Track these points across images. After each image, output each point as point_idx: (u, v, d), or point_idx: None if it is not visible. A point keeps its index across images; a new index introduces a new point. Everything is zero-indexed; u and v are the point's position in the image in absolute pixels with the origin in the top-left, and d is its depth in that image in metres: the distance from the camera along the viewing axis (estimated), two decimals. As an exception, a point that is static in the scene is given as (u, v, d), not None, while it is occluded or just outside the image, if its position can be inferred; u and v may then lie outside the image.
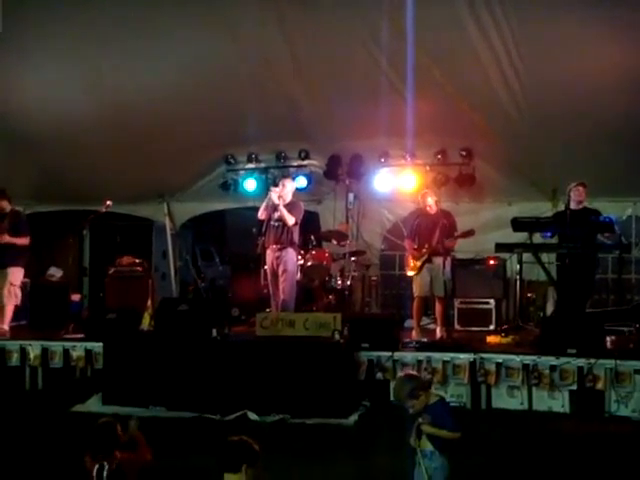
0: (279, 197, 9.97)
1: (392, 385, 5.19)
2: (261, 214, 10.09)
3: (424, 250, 9.73)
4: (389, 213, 12.64)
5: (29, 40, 9.22)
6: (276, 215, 9.98)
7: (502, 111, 9.83)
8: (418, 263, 9.78)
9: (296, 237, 10.09)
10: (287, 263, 9.93)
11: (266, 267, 10.43)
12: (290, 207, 9.99)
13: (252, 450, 4.03)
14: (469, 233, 9.63)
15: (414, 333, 9.84)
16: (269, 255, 10.07)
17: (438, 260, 9.57)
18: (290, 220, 9.85)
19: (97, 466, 4.82)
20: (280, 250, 9.95)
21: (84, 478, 4.97)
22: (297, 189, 11.60)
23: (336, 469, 6.25)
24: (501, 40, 8.73)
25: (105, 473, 4.76)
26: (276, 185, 10.53)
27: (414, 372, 5.11)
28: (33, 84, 10.10)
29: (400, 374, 5.04)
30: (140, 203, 13.53)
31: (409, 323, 10.64)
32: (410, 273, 10.01)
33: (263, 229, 10.14)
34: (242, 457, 3.97)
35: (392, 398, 4.96)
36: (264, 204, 10.08)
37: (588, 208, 9.56)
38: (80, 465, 4.82)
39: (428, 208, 9.91)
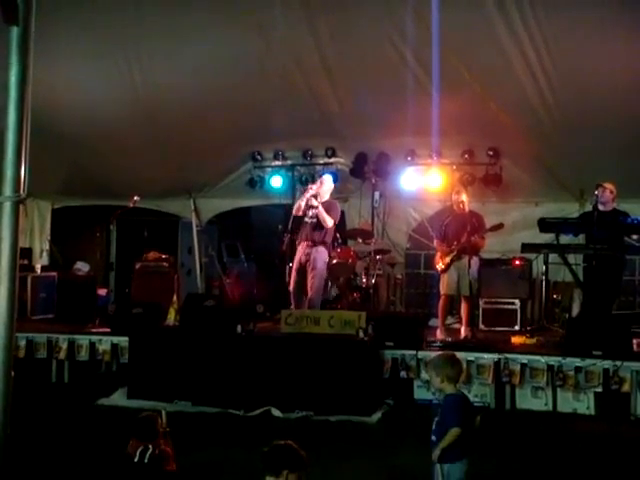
0: (317, 195, 10.01)
1: (434, 359, 4.98)
2: (296, 211, 10.12)
3: (453, 247, 9.66)
4: (415, 212, 12.62)
5: (59, 40, 9.26)
6: (311, 212, 10.02)
7: (530, 111, 9.77)
8: (447, 260, 9.71)
9: (329, 236, 10.08)
10: (316, 261, 9.92)
11: (291, 264, 10.49)
12: (328, 207, 10.01)
13: (296, 456, 4.04)
14: (498, 227, 9.54)
15: (439, 332, 9.82)
16: (299, 251, 10.09)
17: (466, 259, 9.53)
18: (329, 222, 9.90)
19: (141, 448, 5.02)
20: (311, 247, 9.97)
21: (118, 464, 5.14)
22: None
23: (358, 467, 6.27)
24: (530, 39, 8.66)
25: (148, 454, 4.98)
26: (314, 182, 10.55)
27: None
28: (63, 82, 10.16)
29: (449, 353, 5.15)
30: (167, 199, 13.63)
31: (434, 322, 10.62)
32: (439, 267, 9.91)
33: (293, 225, 10.18)
34: (284, 462, 3.99)
35: (427, 368, 5.26)
36: (300, 202, 10.13)
37: (617, 210, 9.47)
38: (107, 456, 4.94)
39: (460, 205, 9.80)
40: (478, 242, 9.64)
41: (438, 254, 9.98)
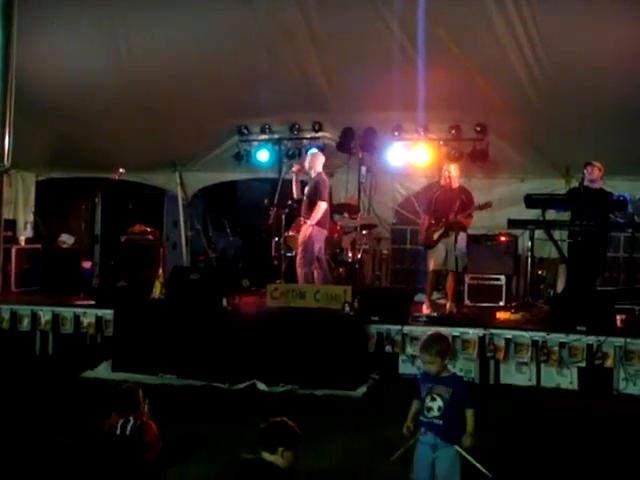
0: (307, 169, 10.14)
1: (422, 338, 4.87)
2: (295, 194, 10.37)
3: (441, 224, 9.60)
4: (401, 187, 12.63)
5: (46, 10, 9.18)
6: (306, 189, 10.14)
7: (518, 87, 9.76)
8: (435, 237, 9.65)
9: (318, 213, 9.92)
10: (302, 236, 9.97)
11: (277, 238, 10.58)
12: (314, 184, 10.03)
13: (292, 433, 4.08)
14: (486, 205, 9.49)
15: (425, 307, 9.84)
16: None
17: (453, 235, 9.48)
18: (314, 199, 9.92)
19: (122, 420, 5.03)
20: (302, 224, 10.06)
21: (101, 438, 5.13)
22: None
23: (343, 441, 6.28)
24: (518, 15, 8.64)
25: (129, 427, 4.99)
26: (300, 156, 10.58)
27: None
28: (49, 53, 10.07)
29: (434, 331, 5.00)
30: (153, 172, 13.57)
31: (419, 297, 10.64)
32: (426, 246, 9.88)
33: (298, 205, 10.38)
34: (279, 439, 4.02)
35: (420, 346, 4.75)
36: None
37: (604, 190, 9.50)
38: (91, 428, 4.93)
39: (450, 180, 9.76)
40: (465, 220, 9.61)
41: (425, 231, 9.91)
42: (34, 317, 9.91)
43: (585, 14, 8.48)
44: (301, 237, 9.98)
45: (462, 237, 9.62)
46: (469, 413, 4.55)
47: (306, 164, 10.17)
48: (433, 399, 4.57)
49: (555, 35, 8.84)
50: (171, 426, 5.98)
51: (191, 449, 5.93)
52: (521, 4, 8.48)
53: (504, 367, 8.53)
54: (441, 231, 9.58)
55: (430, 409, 4.56)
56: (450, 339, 8.35)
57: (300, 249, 9.96)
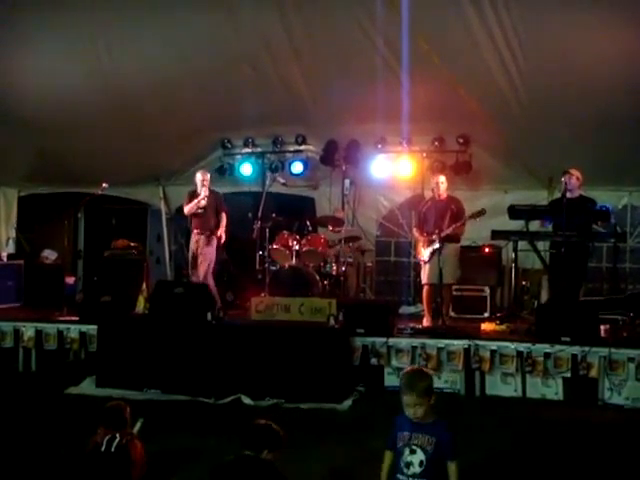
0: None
1: (403, 376, 4.13)
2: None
3: (434, 237, 9.54)
4: (385, 200, 12.63)
5: (28, 24, 9.17)
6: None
7: (500, 98, 9.80)
8: (429, 250, 9.59)
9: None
10: None
11: (261, 252, 10.66)
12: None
13: (276, 436, 4.09)
14: (480, 213, 9.47)
15: (425, 321, 9.78)
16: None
17: (447, 247, 9.46)
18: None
19: (109, 436, 4.99)
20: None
21: (85, 454, 5.09)
22: (294, 174, 12.11)
23: (329, 453, 6.27)
24: (500, 26, 8.68)
25: (115, 444, 4.95)
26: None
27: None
28: (31, 67, 10.04)
29: (413, 367, 4.58)
30: (136, 186, 13.51)
31: (404, 309, 10.64)
32: (422, 258, 9.77)
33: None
34: (264, 441, 4.03)
35: (403, 386, 3.98)
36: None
37: (584, 196, 9.55)
38: (75, 445, 4.89)
39: (441, 187, 9.78)
40: (458, 230, 9.60)
41: (419, 244, 9.89)
42: (17, 333, 9.82)
43: (566, 25, 8.54)
44: None
45: (455, 248, 9.63)
46: (452, 467, 3.86)
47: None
48: (412, 452, 3.89)
49: (536, 46, 8.90)
50: (156, 441, 5.94)
51: (177, 465, 5.89)
52: (502, 15, 8.53)
53: (489, 378, 8.53)
54: (435, 246, 9.49)
55: (410, 464, 3.87)
56: (435, 351, 8.51)
57: None
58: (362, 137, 11.80)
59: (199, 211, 10.64)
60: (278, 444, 4.08)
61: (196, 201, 10.61)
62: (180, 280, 13.15)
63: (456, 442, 3.93)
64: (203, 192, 10.64)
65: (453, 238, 9.55)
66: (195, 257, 10.65)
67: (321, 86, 10.32)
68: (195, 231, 10.71)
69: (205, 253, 10.62)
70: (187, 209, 10.70)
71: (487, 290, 10.95)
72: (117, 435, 5.07)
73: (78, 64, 10.08)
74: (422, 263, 9.79)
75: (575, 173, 9.40)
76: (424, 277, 9.79)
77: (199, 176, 10.81)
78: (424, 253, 9.70)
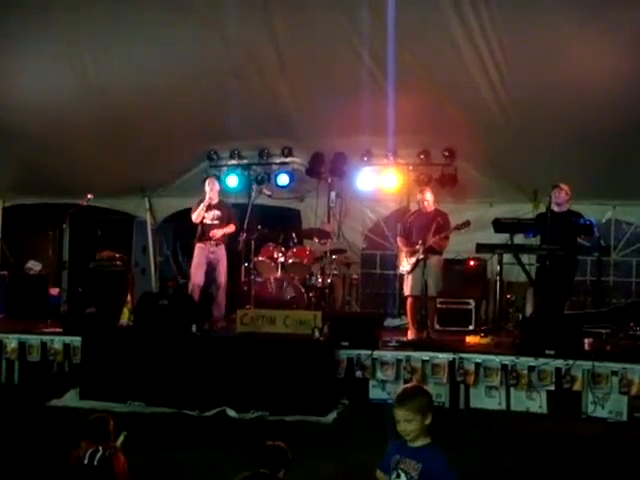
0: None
1: (397, 390, 3.93)
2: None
3: (417, 247, 9.54)
4: (371, 212, 12.65)
5: (13, 36, 9.17)
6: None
7: (485, 112, 9.86)
8: (412, 261, 9.60)
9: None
10: None
11: (247, 264, 10.69)
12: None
13: (288, 456, 4.32)
14: (464, 225, 9.49)
15: (409, 333, 9.76)
16: None
17: (431, 259, 9.48)
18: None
19: (92, 449, 4.96)
20: None
21: (68, 467, 5.05)
22: (280, 186, 12.06)
23: (314, 467, 6.23)
24: (485, 40, 8.76)
25: (98, 457, 4.92)
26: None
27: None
28: (17, 79, 10.05)
29: (413, 384, 4.37)
30: (121, 197, 13.47)
31: (389, 322, 10.64)
32: (403, 269, 9.80)
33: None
34: (281, 461, 4.26)
35: (395, 399, 3.72)
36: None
37: (571, 211, 9.59)
38: (58, 458, 4.85)
39: (425, 203, 9.78)
40: (442, 242, 9.63)
41: (402, 254, 9.91)
42: (0, 345, 9.76)
43: (551, 41, 8.62)
44: None
45: (438, 260, 9.65)
46: None
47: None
48: (398, 476, 3.64)
49: (522, 61, 8.97)
50: (140, 455, 5.90)
51: (160, 478, 5.86)
52: (488, 30, 8.61)
53: (474, 391, 8.54)
54: (418, 256, 9.50)
55: None
56: (420, 364, 8.51)
57: None
58: (348, 149, 11.82)
59: (214, 222, 10.66)
60: (290, 464, 4.29)
61: (202, 205, 10.63)
62: (165, 292, 13.13)
63: (450, 474, 3.56)
64: (207, 197, 10.65)
65: (436, 249, 9.56)
66: (201, 266, 10.70)
67: (307, 98, 10.35)
68: (210, 242, 10.67)
69: (224, 262, 10.71)
70: (195, 215, 10.68)
71: (472, 303, 10.97)
72: (100, 448, 5.03)
73: (64, 76, 10.10)
74: (405, 274, 9.79)
75: (564, 187, 9.43)
76: (407, 289, 9.78)
77: (207, 182, 10.94)
78: (406, 263, 9.71)
